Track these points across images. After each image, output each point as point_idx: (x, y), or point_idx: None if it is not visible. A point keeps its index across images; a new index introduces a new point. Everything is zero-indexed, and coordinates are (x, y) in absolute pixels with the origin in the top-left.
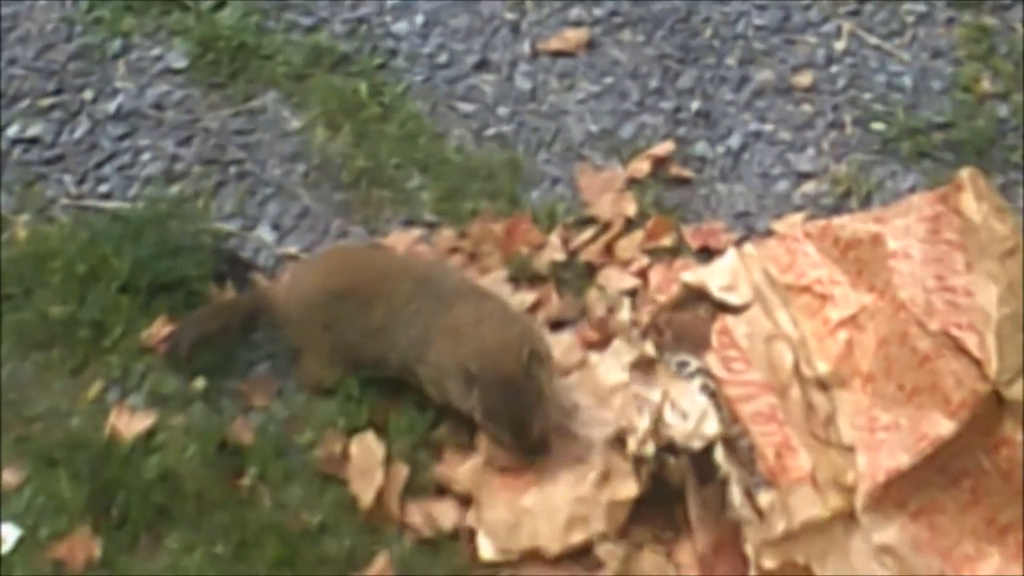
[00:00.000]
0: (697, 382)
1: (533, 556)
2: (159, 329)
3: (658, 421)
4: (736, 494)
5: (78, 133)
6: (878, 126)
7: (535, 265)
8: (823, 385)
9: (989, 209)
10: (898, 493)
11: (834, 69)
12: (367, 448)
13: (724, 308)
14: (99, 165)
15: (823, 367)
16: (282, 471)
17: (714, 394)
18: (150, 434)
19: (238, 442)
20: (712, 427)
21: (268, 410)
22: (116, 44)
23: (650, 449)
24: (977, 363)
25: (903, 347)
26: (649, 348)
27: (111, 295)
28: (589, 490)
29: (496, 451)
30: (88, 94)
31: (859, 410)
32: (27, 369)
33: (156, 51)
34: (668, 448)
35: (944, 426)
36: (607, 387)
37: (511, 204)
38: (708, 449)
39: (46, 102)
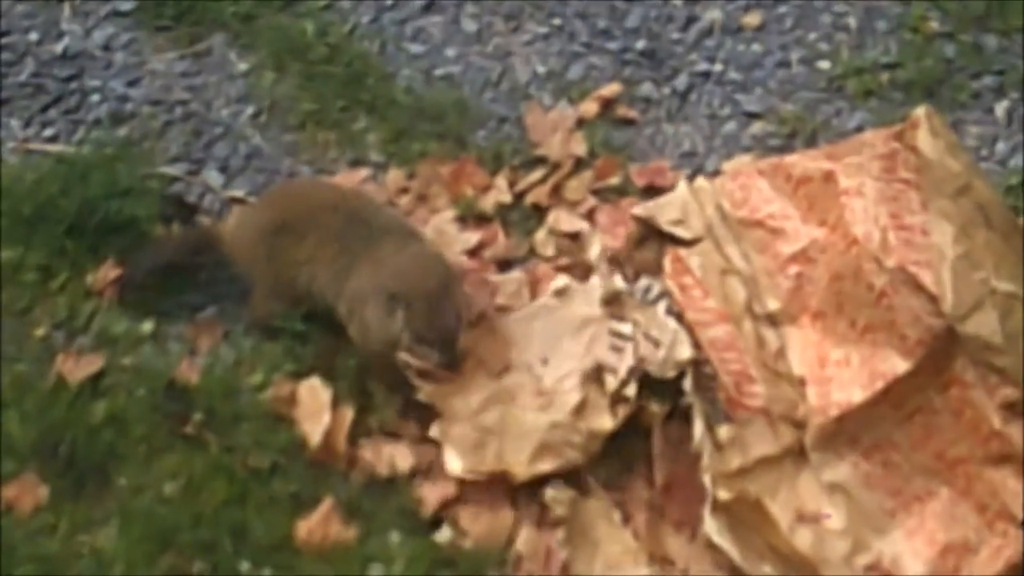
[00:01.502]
0: (663, 305)
1: (500, 479)
2: (106, 272)
3: (638, 360)
4: (698, 427)
5: (24, 76)
6: (824, 65)
7: (482, 206)
8: (773, 321)
9: (944, 146)
10: (851, 429)
11: (782, 9)
12: (314, 391)
13: (674, 241)
14: (45, 108)
15: (773, 304)
16: (230, 413)
17: (680, 316)
18: (97, 377)
19: (186, 384)
20: (685, 352)
21: (215, 353)
22: None
23: (631, 391)
24: (933, 299)
25: (857, 283)
26: (618, 281)
27: (58, 237)
28: (566, 418)
29: (421, 379)
30: (33, 36)
31: (808, 345)
32: None
33: None
34: (645, 382)
35: (899, 364)
36: (579, 319)
37: (459, 145)
38: (680, 376)
39: None
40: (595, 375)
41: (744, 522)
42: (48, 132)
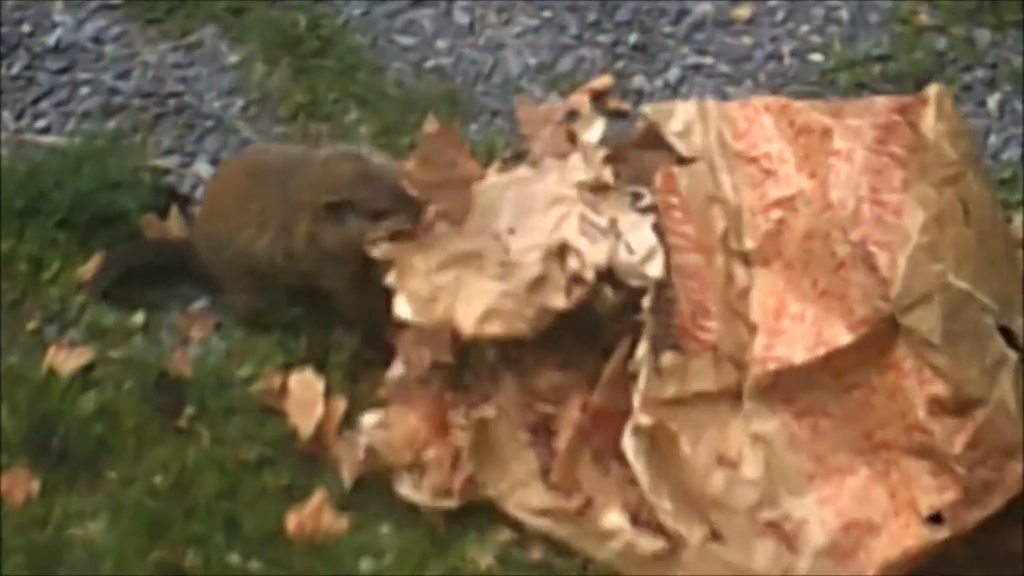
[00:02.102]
0: (650, 219)
1: (446, 329)
2: (96, 264)
3: (604, 253)
4: (643, 346)
5: (16, 68)
6: (816, 57)
7: None
8: (746, 260)
9: (945, 130)
10: (788, 387)
11: (772, 2)
12: (306, 383)
13: (672, 153)
14: (37, 100)
15: (749, 243)
16: (221, 405)
17: (663, 234)
18: (88, 368)
19: (177, 376)
20: (655, 269)
21: (207, 344)
22: None
23: (590, 275)
24: (883, 282)
25: (824, 246)
26: (607, 174)
27: (50, 230)
28: (519, 289)
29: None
30: (25, 28)
31: (773, 292)
32: None
33: None
34: (607, 275)
35: (842, 336)
36: (552, 196)
37: None
38: (643, 291)
39: None
40: (558, 253)
41: (660, 450)
42: (40, 124)
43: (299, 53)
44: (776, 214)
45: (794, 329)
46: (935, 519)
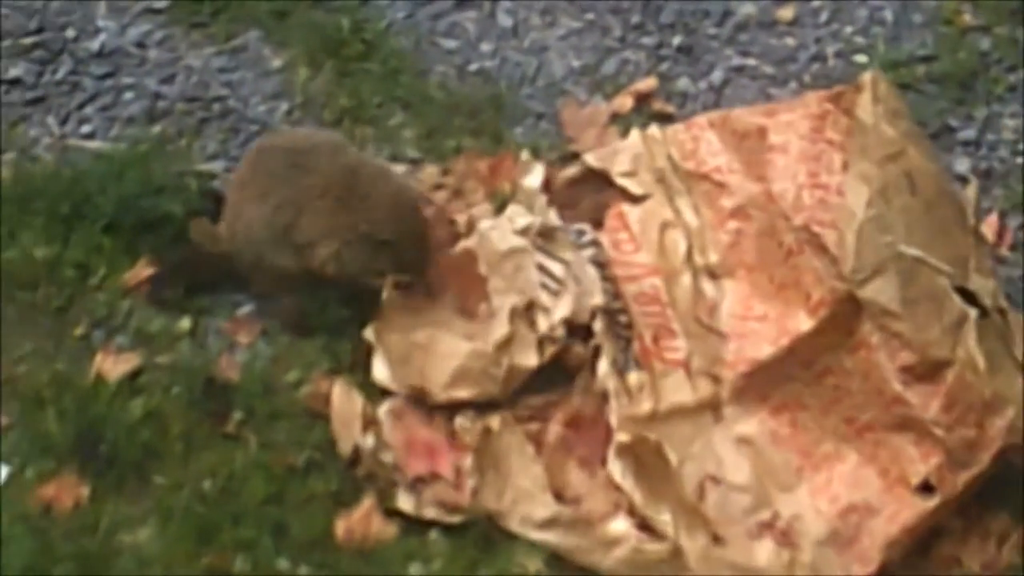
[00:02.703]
0: (589, 252)
1: (420, 396)
2: (142, 269)
3: (569, 303)
4: (604, 365)
5: (60, 73)
6: (860, 59)
7: None
8: (713, 274)
9: (883, 112)
10: (761, 385)
11: (816, 3)
12: (346, 394)
13: (623, 193)
14: (82, 105)
15: (714, 257)
16: (268, 410)
17: (603, 266)
18: (136, 374)
19: (224, 381)
20: (596, 298)
21: (253, 349)
22: None
23: (561, 333)
24: (835, 261)
25: (772, 240)
26: (553, 216)
27: (95, 235)
28: (489, 349)
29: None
30: (70, 33)
31: (740, 299)
32: (12, 310)
33: None
34: (569, 323)
35: (804, 322)
36: (500, 253)
37: (494, 141)
38: (592, 317)
39: (28, 42)
40: (525, 311)
41: (646, 465)
42: (85, 129)
43: (343, 57)
44: (732, 224)
45: (760, 329)
46: (926, 488)
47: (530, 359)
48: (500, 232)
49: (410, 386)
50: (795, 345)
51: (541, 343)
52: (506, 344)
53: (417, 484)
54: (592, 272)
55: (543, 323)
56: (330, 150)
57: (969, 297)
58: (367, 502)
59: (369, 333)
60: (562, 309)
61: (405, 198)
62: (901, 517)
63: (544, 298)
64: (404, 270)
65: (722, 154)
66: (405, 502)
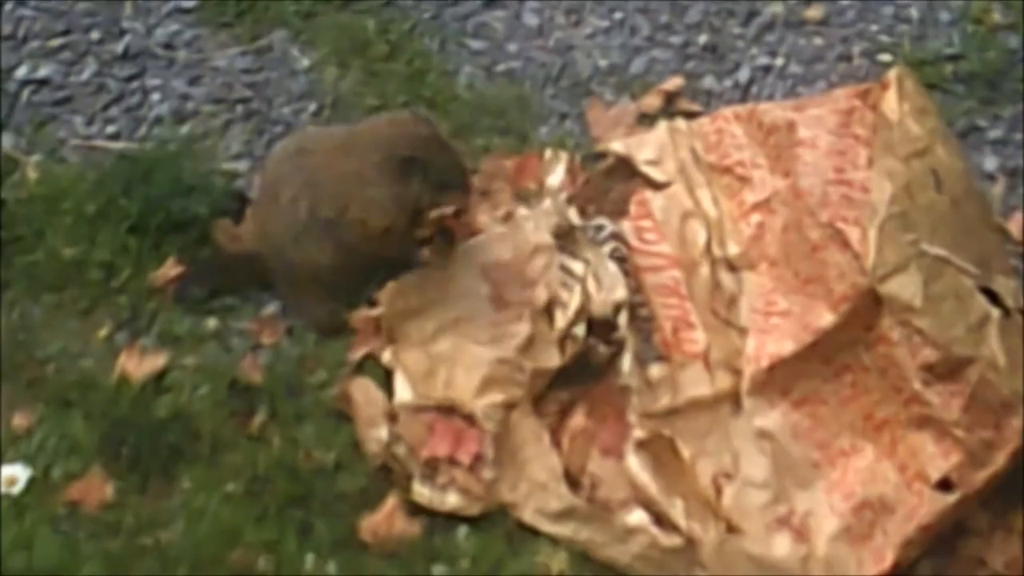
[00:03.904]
0: (608, 247)
1: (449, 408)
2: (169, 269)
3: (585, 299)
4: (627, 361)
5: (86, 74)
6: (886, 58)
7: None
8: (732, 266)
9: (909, 109)
10: (782, 380)
11: (843, 2)
12: (369, 396)
13: (647, 182)
14: (107, 106)
15: (734, 249)
16: (293, 410)
17: (624, 259)
18: (161, 374)
19: (249, 381)
20: (620, 293)
21: (278, 349)
22: None
23: (581, 331)
24: (857, 256)
25: (799, 235)
26: (572, 215)
27: (121, 236)
28: (512, 354)
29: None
30: (96, 35)
31: (761, 293)
32: (38, 311)
33: None
34: (590, 323)
35: (825, 318)
36: (532, 245)
37: (521, 140)
38: (616, 313)
39: (55, 43)
40: (545, 311)
41: (664, 462)
42: (110, 130)
43: (369, 57)
44: (755, 218)
45: (783, 325)
46: (944, 485)
47: (552, 359)
48: (535, 223)
49: (437, 400)
50: (817, 342)
51: (563, 342)
52: (528, 346)
53: (432, 472)
54: (613, 267)
55: (561, 319)
56: (341, 131)
57: (992, 297)
58: (391, 501)
59: (387, 357)
60: (575, 301)
61: (421, 121)
62: (918, 514)
63: (563, 295)
64: (444, 190)
65: (747, 148)
66: (421, 493)
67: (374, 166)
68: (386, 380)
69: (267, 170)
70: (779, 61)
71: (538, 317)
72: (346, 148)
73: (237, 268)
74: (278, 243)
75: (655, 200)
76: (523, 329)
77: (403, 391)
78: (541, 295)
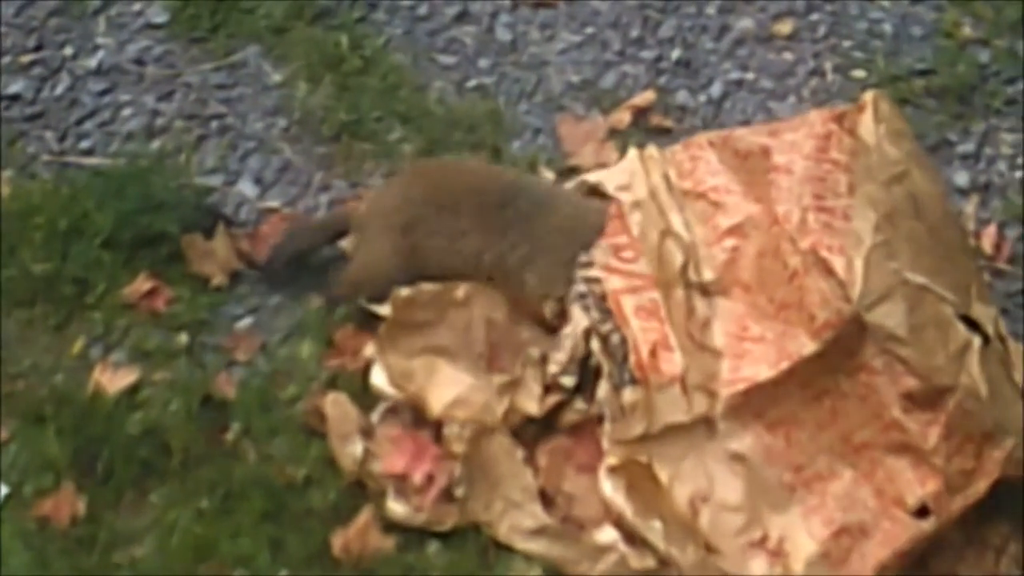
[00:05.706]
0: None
1: (417, 405)
2: (141, 284)
3: (574, 348)
4: (603, 386)
5: (59, 90)
6: (859, 73)
7: None
8: (706, 291)
9: (886, 132)
10: (757, 403)
11: (814, 16)
12: (343, 411)
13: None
14: (80, 121)
15: (708, 274)
16: (266, 425)
17: (593, 281)
18: (134, 390)
19: (222, 397)
20: (581, 324)
21: (252, 365)
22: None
23: (569, 382)
24: (842, 284)
25: (776, 261)
26: None
27: (93, 251)
28: (492, 388)
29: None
30: (68, 50)
31: (734, 318)
32: (10, 326)
33: (136, 6)
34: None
35: (807, 346)
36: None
37: (493, 155)
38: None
39: (26, 59)
40: (540, 360)
41: (638, 487)
42: (83, 145)
43: (342, 72)
44: (729, 242)
45: (757, 349)
46: (921, 512)
47: (531, 407)
48: None
49: (410, 395)
50: (796, 368)
51: (546, 391)
52: (509, 387)
53: (404, 487)
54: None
55: (553, 367)
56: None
57: (971, 324)
58: (364, 517)
59: (369, 349)
60: (565, 351)
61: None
62: (894, 539)
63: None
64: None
65: (721, 174)
66: (396, 509)
67: (566, 240)
68: (361, 394)
69: (451, 174)
70: (750, 76)
71: (529, 366)
72: (548, 207)
73: (319, 236)
74: (421, 240)
75: (632, 214)
76: (509, 369)
77: (378, 378)
78: (534, 352)
